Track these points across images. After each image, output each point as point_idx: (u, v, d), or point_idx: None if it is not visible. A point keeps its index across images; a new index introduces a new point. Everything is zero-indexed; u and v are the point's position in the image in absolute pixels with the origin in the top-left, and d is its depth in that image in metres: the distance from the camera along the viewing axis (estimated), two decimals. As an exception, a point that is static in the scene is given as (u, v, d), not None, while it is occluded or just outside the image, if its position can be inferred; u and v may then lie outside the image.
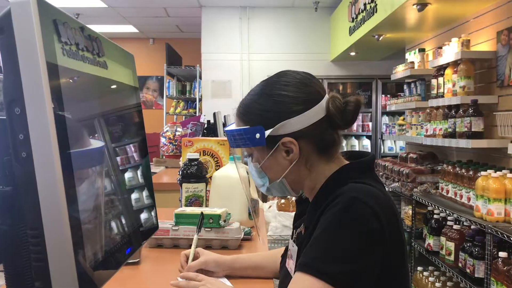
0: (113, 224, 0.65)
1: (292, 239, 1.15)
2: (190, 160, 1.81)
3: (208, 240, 1.52)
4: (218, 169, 1.96)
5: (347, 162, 1.09)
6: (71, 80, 0.61)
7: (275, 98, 1.04)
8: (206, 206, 1.83)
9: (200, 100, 7.12)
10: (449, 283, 3.09)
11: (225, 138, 2.05)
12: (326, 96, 1.06)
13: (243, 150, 1.11)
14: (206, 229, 1.52)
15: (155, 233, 1.50)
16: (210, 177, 1.89)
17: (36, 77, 0.50)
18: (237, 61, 6.96)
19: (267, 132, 1.02)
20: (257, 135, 1.03)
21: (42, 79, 0.49)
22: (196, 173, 1.79)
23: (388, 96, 6.40)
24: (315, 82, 1.08)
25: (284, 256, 1.23)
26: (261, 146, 1.04)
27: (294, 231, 1.16)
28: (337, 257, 0.91)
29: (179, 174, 1.82)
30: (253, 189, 1.82)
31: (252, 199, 1.76)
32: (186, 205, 1.78)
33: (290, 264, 1.10)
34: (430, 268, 3.47)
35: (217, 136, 4.66)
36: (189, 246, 1.52)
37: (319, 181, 1.07)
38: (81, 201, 0.55)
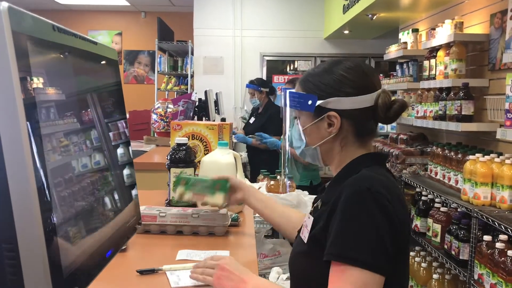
0: (93, 234, 0.65)
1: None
2: (179, 145, 1.80)
3: (194, 226, 1.53)
4: (207, 153, 1.96)
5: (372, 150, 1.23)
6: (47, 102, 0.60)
7: (335, 76, 1.17)
8: (194, 190, 1.83)
9: (192, 76, 7.06)
10: (434, 264, 3.15)
11: (215, 123, 2.04)
12: (379, 91, 1.17)
13: (291, 112, 1.29)
14: (193, 215, 1.53)
15: (142, 219, 1.51)
16: (199, 162, 1.88)
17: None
18: (230, 37, 6.88)
19: (318, 102, 1.16)
20: (309, 102, 1.17)
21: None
22: (185, 158, 1.79)
23: (381, 75, 6.38)
24: (375, 75, 1.21)
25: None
26: (309, 112, 1.18)
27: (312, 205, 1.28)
28: (364, 245, 0.99)
29: (167, 159, 1.82)
30: (241, 175, 1.83)
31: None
32: (174, 190, 1.78)
33: (304, 233, 1.18)
34: (417, 248, 3.52)
35: (208, 114, 4.65)
36: (177, 233, 1.54)
37: (345, 161, 1.19)
38: (56, 198, 0.54)
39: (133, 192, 0.93)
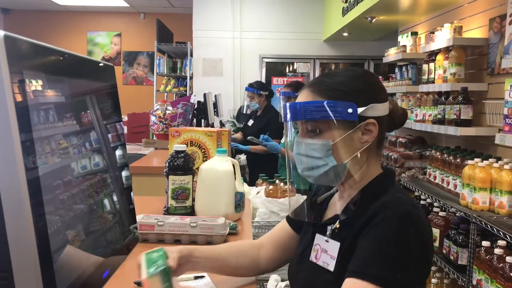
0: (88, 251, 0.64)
1: (323, 234, 1.14)
2: (177, 152, 1.80)
3: (193, 235, 1.52)
4: (206, 160, 1.96)
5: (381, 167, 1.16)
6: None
7: (367, 82, 1.12)
8: (193, 198, 1.83)
9: (191, 78, 7.06)
10: (433, 268, 3.15)
11: (213, 129, 2.04)
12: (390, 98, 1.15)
13: (307, 126, 1.09)
14: (191, 224, 1.52)
15: (141, 228, 1.50)
16: (197, 168, 1.88)
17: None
18: (229, 39, 6.88)
19: (360, 110, 1.06)
20: (350, 110, 1.05)
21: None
22: (183, 165, 1.78)
23: (381, 77, 6.38)
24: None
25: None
26: (342, 122, 1.06)
27: (327, 226, 1.15)
28: (390, 265, 0.97)
29: (165, 166, 1.81)
30: (239, 182, 1.83)
31: (237, 192, 1.76)
32: (172, 198, 1.78)
33: (325, 258, 1.10)
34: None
35: (207, 117, 4.65)
36: (175, 242, 1.53)
37: (366, 178, 1.11)
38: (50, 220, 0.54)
39: (131, 206, 0.93)
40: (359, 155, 1.08)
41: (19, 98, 0.56)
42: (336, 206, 1.19)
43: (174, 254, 1.12)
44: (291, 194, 1.23)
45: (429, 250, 1.05)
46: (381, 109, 1.09)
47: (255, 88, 4.52)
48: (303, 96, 1.13)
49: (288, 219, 1.32)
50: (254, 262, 1.30)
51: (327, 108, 1.06)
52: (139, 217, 1.53)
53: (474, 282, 2.43)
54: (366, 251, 0.99)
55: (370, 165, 1.12)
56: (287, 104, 1.10)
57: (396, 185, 1.14)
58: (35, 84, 0.68)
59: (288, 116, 1.10)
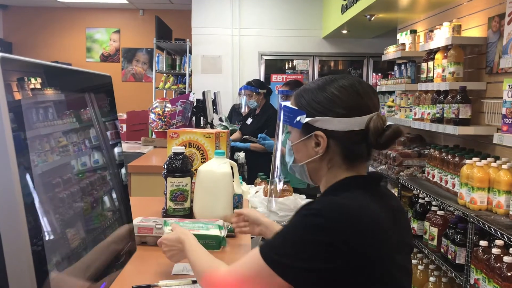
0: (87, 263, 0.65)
1: None
2: (175, 154, 1.80)
3: None
4: (204, 162, 1.96)
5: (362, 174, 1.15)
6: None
7: (327, 94, 1.12)
8: (191, 199, 1.83)
9: (190, 75, 7.06)
10: (431, 266, 3.16)
11: (212, 131, 2.04)
12: (372, 114, 1.10)
13: (285, 126, 1.22)
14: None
15: (139, 231, 1.51)
16: (196, 170, 1.89)
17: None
18: (228, 36, 6.87)
19: (306, 120, 1.12)
20: (298, 118, 1.13)
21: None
22: (181, 167, 1.79)
23: (379, 74, 6.39)
24: (371, 97, 1.14)
25: None
26: (297, 128, 1.15)
27: None
28: (279, 250, 1.02)
29: (164, 168, 1.82)
30: (237, 184, 1.83)
31: (236, 194, 1.77)
32: (170, 199, 1.79)
33: None
34: (414, 250, 3.54)
35: (206, 115, 4.65)
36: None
37: (331, 182, 1.14)
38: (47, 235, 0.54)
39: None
40: (317, 161, 1.14)
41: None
42: None
43: None
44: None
45: (339, 248, 0.98)
46: (335, 122, 1.10)
47: (253, 86, 4.51)
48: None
49: None
50: None
51: (286, 114, 1.17)
52: (137, 220, 1.54)
53: (472, 282, 2.44)
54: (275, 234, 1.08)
55: (334, 174, 1.14)
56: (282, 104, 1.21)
57: (356, 191, 1.09)
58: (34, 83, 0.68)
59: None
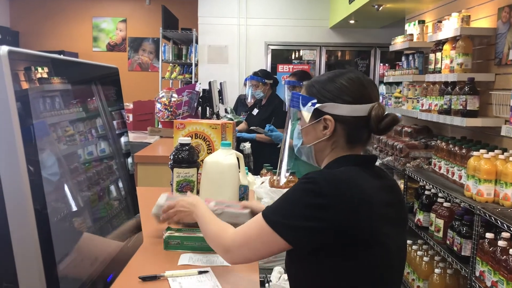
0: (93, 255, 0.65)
1: None
2: (182, 145, 1.81)
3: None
4: (210, 152, 1.96)
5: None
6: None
7: (337, 85, 1.27)
8: (197, 190, 1.84)
9: (196, 65, 7.04)
10: (436, 258, 3.16)
11: (218, 122, 2.04)
12: (375, 103, 1.26)
13: (295, 112, 1.38)
14: (217, 211, 1.51)
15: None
16: (202, 161, 1.89)
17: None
18: (234, 25, 6.84)
19: (317, 105, 1.27)
20: (309, 104, 1.28)
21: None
22: (188, 158, 1.79)
23: (387, 65, 6.34)
24: (373, 89, 1.30)
25: None
26: (309, 114, 1.29)
27: None
28: (278, 212, 1.17)
29: (170, 158, 1.82)
30: (243, 175, 1.83)
31: (242, 185, 1.77)
32: (177, 190, 1.80)
33: None
34: (419, 241, 3.54)
35: (212, 105, 4.64)
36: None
37: (329, 161, 1.30)
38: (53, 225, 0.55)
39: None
40: (323, 143, 1.29)
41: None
42: None
43: None
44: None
45: (328, 212, 1.12)
46: (342, 108, 1.25)
47: (259, 76, 4.49)
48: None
49: None
50: None
51: (298, 100, 1.31)
52: (162, 199, 1.57)
53: (477, 274, 2.44)
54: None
55: (336, 154, 1.29)
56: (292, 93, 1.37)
57: (352, 167, 1.23)
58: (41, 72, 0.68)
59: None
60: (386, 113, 1.26)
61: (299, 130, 1.35)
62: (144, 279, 1.23)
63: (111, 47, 9.80)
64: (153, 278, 1.25)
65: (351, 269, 1.16)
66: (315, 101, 1.28)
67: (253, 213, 1.57)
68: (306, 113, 1.30)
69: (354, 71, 1.32)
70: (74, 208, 0.68)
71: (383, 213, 1.20)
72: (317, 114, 1.28)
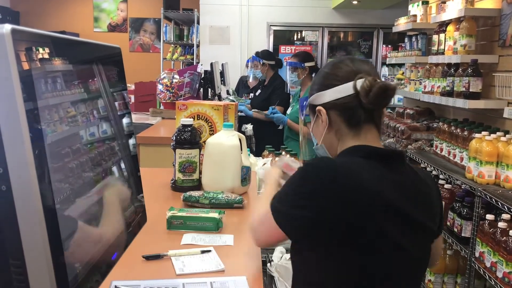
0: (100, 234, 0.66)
1: None
2: (184, 126, 1.81)
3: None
4: (212, 134, 1.97)
5: (371, 143, 1.19)
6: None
7: (321, 74, 1.25)
8: (200, 171, 1.85)
9: (198, 46, 7.00)
10: (437, 239, 3.19)
11: (220, 103, 2.04)
12: (358, 76, 1.16)
13: (295, 93, 1.40)
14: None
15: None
16: (204, 142, 1.90)
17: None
18: (236, 6, 6.77)
19: (308, 100, 1.26)
20: (305, 103, 1.26)
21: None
22: (190, 139, 1.80)
23: (390, 46, 6.30)
24: (361, 65, 1.20)
25: None
26: (309, 113, 1.28)
27: None
28: (277, 196, 1.14)
29: (172, 139, 1.83)
30: (245, 156, 1.84)
31: (244, 166, 1.78)
32: (179, 171, 1.80)
33: None
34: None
35: (214, 86, 4.63)
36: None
37: (340, 151, 1.22)
38: (61, 218, 0.55)
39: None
40: (328, 137, 1.23)
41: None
42: None
43: None
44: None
45: (327, 199, 1.05)
46: (328, 94, 1.19)
47: (258, 57, 4.50)
48: None
49: None
50: None
51: (303, 106, 1.30)
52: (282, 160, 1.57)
53: (477, 254, 2.46)
54: None
55: (344, 143, 1.21)
56: None
57: (356, 158, 1.13)
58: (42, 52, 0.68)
59: None
60: (373, 83, 1.13)
61: (312, 134, 1.31)
62: (148, 258, 1.25)
63: (112, 28, 9.73)
64: (157, 257, 1.26)
65: (337, 264, 1.08)
66: (307, 98, 1.27)
67: None
68: (309, 113, 1.28)
69: (342, 57, 1.28)
70: (78, 187, 0.68)
71: (381, 208, 1.06)
72: (313, 110, 1.24)
